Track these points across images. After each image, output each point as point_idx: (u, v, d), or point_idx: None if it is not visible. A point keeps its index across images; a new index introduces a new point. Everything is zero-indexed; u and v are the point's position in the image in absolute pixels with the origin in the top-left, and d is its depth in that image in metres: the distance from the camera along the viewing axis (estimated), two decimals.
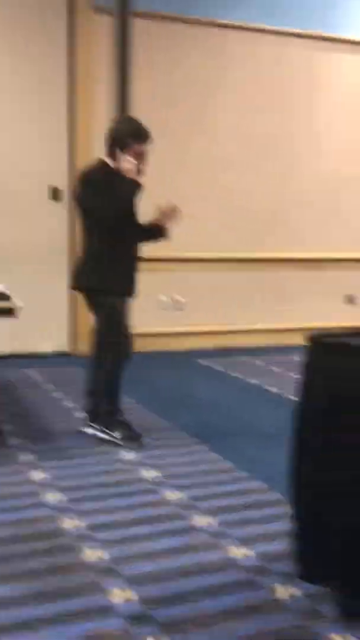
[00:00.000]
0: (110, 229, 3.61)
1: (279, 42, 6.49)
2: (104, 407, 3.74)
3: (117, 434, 3.67)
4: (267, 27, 6.40)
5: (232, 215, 6.49)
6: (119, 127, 3.66)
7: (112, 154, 3.61)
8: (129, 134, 3.58)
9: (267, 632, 1.97)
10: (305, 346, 2.32)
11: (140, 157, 3.57)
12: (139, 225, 3.75)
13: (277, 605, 2.12)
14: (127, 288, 3.74)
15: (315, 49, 6.62)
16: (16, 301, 3.53)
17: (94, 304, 3.75)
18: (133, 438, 3.65)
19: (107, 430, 3.70)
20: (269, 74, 6.50)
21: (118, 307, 3.72)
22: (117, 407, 3.75)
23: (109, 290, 3.69)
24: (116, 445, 3.62)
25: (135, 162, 3.53)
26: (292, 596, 2.17)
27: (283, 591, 2.20)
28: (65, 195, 5.98)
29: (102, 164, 3.66)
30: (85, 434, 3.77)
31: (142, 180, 3.59)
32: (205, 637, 1.95)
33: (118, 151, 3.57)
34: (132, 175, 3.53)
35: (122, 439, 3.65)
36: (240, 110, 6.45)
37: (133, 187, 3.54)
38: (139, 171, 3.58)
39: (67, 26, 5.87)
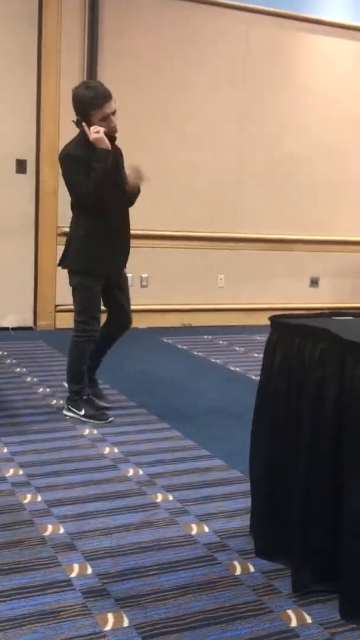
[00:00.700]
0: (89, 207, 3.53)
1: (244, 19, 6.44)
2: (70, 386, 3.73)
3: (82, 412, 3.66)
4: (234, 2, 6.35)
5: (199, 193, 6.48)
6: (78, 98, 3.47)
7: (85, 123, 3.49)
8: (86, 104, 3.44)
9: (222, 608, 2.00)
10: (269, 326, 2.33)
11: (107, 118, 3.47)
12: (122, 191, 3.63)
13: (233, 581, 2.14)
14: (98, 267, 3.61)
15: (279, 27, 6.60)
16: None
17: (70, 283, 3.68)
18: (97, 416, 3.65)
19: (74, 409, 3.69)
20: (234, 50, 6.46)
21: (87, 287, 3.61)
22: (82, 385, 3.73)
23: (79, 269, 3.62)
24: (82, 422, 3.61)
25: (101, 128, 3.44)
26: (248, 572, 2.20)
27: (240, 567, 2.22)
28: (33, 168, 5.89)
29: (80, 138, 3.54)
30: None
31: (114, 138, 3.52)
32: (162, 611, 1.96)
33: (84, 124, 3.47)
34: (102, 144, 3.43)
35: (87, 416, 3.65)
36: (206, 87, 6.40)
37: (104, 158, 3.43)
38: (111, 131, 3.50)
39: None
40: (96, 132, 3.43)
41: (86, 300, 3.63)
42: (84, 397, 3.70)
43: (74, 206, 3.63)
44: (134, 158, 5.67)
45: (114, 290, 3.75)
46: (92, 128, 3.44)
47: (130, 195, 3.68)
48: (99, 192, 3.45)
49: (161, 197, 6.28)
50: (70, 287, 3.67)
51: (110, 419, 3.65)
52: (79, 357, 3.68)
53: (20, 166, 5.89)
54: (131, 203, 3.73)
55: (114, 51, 5.99)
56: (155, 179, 6.21)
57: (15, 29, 5.73)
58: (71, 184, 3.53)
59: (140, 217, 5.40)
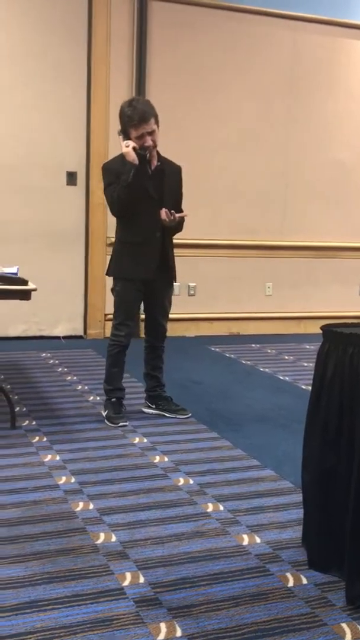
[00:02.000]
0: (117, 216, 3.74)
1: (292, 26, 6.42)
2: (103, 385, 3.91)
3: (105, 413, 3.81)
4: (282, 11, 6.34)
5: (245, 200, 6.48)
6: (121, 114, 3.65)
7: (124, 137, 3.66)
8: (126, 121, 3.60)
9: (276, 620, 1.98)
10: (320, 335, 2.32)
11: (141, 137, 3.59)
12: (157, 203, 3.70)
13: (286, 593, 2.13)
14: (127, 274, 3.75)
15: (330, 35, 6.56)
16: (29, 283, 3.54)
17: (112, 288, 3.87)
18: (111, 419, 3.75)
19: (103, 409, 3.86)
20: (281, 58, 6.45)
21: (120, 293, 3.78)
22: (112, 387, 3.83)
23: (114, 275, 3.82)
24: (132, 431, 3.65)
25: (132, 143, 3.57)
26: (301, 584, 2.18)
27: (293, 579, 2.21)
28: (83, 179, 5.98)
29: (122, 153, 3.68)
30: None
31: (145, 156, 3.62)
32: (214, 622, 1.96)
33: (120, 138, 3.64)
34: (129, 158, 3.57)
35: (106, 417, 3.78)
36: (252, 96, 6.40)
37: (128, 171, 3.54)
38: (147, 149, 3.60)
39: (88, 10, 5.83)
40: (126, 147, 3.59)
41: (118, 305, 3.81)
42: (112, 400, 3.83)
43: (113, 215, 3.83)
44: (181, 165, 5.72)
45: (150, 301, 3.87)
46: (123, 142, 3.60)
47: (171, 228, 3.78)
48: (119, 203, 3.63)
49: (208, 205, 6.30)
50: None
51: (120, 424, 3.71)
52: (109, 360, 3.86)
53: (71, 178, 5.98)
54: (175, 232, 3.85)
55: (161, 62, 6.04)
56: (203, 187, 6.26)
57: (65, 43, 5.83)
58: (105, 194, 3.76)
59: (187, 227, 5.39)
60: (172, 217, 3.65)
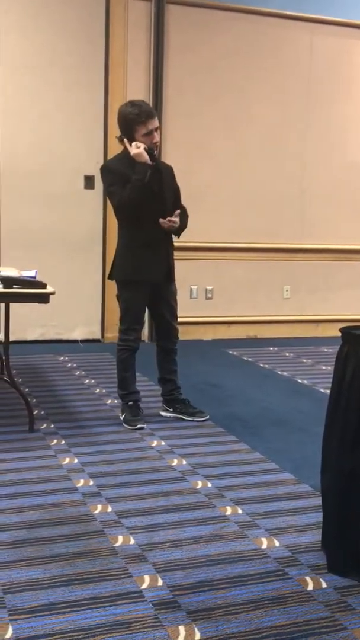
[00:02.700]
0: (123, 218, 3.71)
1: (309, 29, 6.41)
2: (117, 391, 3.93)
3: (122, 417, 3.82)
4: (298, 13, 6.33)
5: (262, 203, 6.47)
6: (122, 116, 3.65)
7: (128, 139, 3.65)
8: (131, 121, 3.59)
9: (295, 624, 1.97)
10: (339, 338, 2.30)
11: (150, 134, 3.60)
12: (162, 205, 3.70)
13: (306, 597, 2.11)
14: (133, 277, 3.73)
15: (347, 37, 6.54)
16: (48, 286, 3.55)
17: (117, 293, 3.87)
18: (129, 422, 3.76)
19: (120, 413, 3.87)
20: (298, 61, 6.44)
21: (126, 298, 3.77)
22: (127, 392, 3.84)
23: (118, 280, 3.81)
24: (150, 434, 3.66)
25: (142, 144, 3.58)
26: (321, 588, 2.16)
27: (312, 583, 2.19)
28: (100, 183, 5.99)
29: (122, 153, 3.71)
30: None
31: (155, 156, 3.63)
32: (233, 625, 1.95)
33: (126, 141, 3.63)
34: (142, 158, 3.56)
35: (124, 420, 3.79)
36: (270, 99, 6.40)
37: (142, 172, 3.54)
38: (152, 146, 3.62)
39: (105, 15, 5.86)
40: (137, 148, 3.57)
41: (125, 310, 3.80)
42: (129, 403, 3.83)
43: (116, 218, 3.80)
44: (199, 170, 5.71)
45: (157, 303, 3.85)
46: (133, 144, 3.59)
47: (174, 231, 3.78)
48: (131, 203, 3.59)
49: (224, 208, 6.31)
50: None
51: (138, 427, 3.71)
52: (120, 365, 3.86)
53: (88, 182, 6.00)
54: (179, 233, 3.83)
55: (179, 66, 6.06)
56: (220, 191, 6.27)
57: (82, 49, 5.86)
58: (107, 194, 3.76)
59: (203, 230, 5.44)
60: (172, 221, 3.64)
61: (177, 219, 3.67)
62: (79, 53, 5.87)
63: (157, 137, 3.63)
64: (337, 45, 6.53)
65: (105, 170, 3.75)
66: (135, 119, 3.58)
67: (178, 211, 3.70)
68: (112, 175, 3.67)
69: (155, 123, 3.61)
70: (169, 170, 3.84)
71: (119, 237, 3.83)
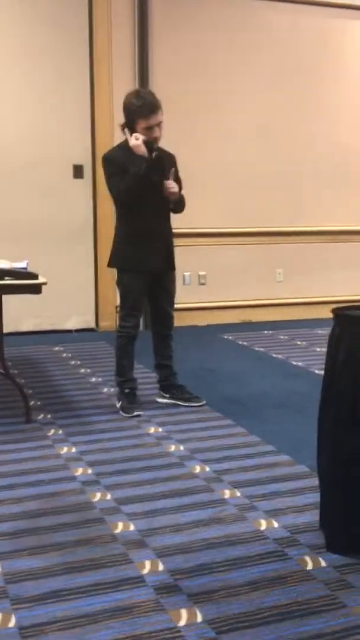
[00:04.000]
0: (122, 207, 3.71)
1: (292, 10, 6.37)
2: (114, 378, 3.95)
3: (119, 404, 3.83)
4: None
5: (253, 188, 6.45)
6: (126, 105, 3.62)
7: (129, 129, 3.63)
8: (133, 112, 3.57)
9: (295, 603, 1.99)
10: (332, 320, 2.31)
11: (150, 129, 3.58)
12: (162, 194, 3.70)
13: (305, 576, 2.13)
14: (133, 265, 3.74)
15: (329, 16, 6.50)
16: (40, 277, 3.55)
17: (116, 280, 3.86)
18: (125, 409, 3.77)
19: (117, 400, 3.88)
20: (284, 43, 6.40)
21: (125, 285, 3.79)
22: (124, 379, 3.85)
23: (118, 267, 3.83)
24: (147, 421, 3.67)
25: (141, 136, 3.56)
26: (320, 567, 2.18)
27: (311, 562, 2.21)
28: (89, 172, 5.97)
29: (123, 142, 3.68)
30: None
31: (154, 147, 3.61)
32: (235, 607, 1.97)
33: (127, 130, 3.61)
34: (139, 151, 3.55)
35: (120, 407, 3.80)
36: (258, 81, 6.37)
37: (139, 164, 3.54)
38: (154, 141, 3.60)
39: (88, 4, 5.81)
40: (136, 140, 3.56)
41: (124, 297, 3.82)
42: (126, 390, 3.84)
43: (115, 207, 3.81)
44: (189, 156, 5.69)
45: (156, 290, 3.86)
46: (133, 135, 3.57)
47: (174, 204, 3.78)
48: (129, 194, 3.60)
49: (216, 194, 6.29)
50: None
51: (134, 414, 3.72)
52: (118, 352, 3.88)
53: (78, 171, 5.98)
54: (178, 210, 3.84)
55: (163, 52, 6.02)
56: (210, 176, 6.25)
57: (65, 35, 5.81)
58: (107, 184, 3.73)
59: (195, 216, 5.39)
60: (169, 186, 3.64)
61: (174, 185, 3.66)
62: (62, 41, 5.82)
63: (158, 132, 3.60)
64: (324, 26, 6.49)
65: (106, 160, 3.73)
66: (137, 112, 3.56)
67: (172, 169, 3.69)
68: (112, 165, 3.66)
69: (157, 118, 3.58)
70: (172, 159, 3.82)
71: (117, 224, 3.83)
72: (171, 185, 3.67)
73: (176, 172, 3.79)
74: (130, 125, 3.61)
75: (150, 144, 3.60)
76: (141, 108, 3.55)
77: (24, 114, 5.79)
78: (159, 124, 3.60)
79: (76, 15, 5.82)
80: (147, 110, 3.55)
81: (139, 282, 3.77)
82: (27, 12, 5.70)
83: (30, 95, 5.79)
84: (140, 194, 3.60)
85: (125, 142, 3.66)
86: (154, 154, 3.62)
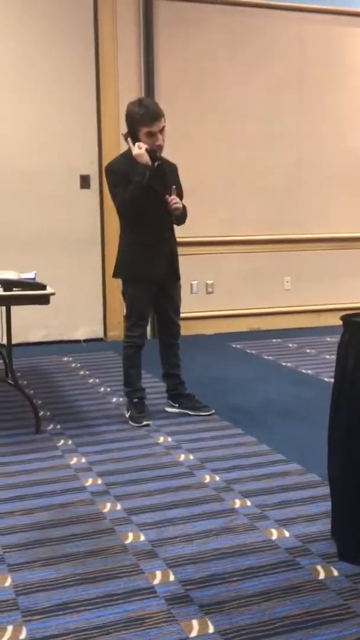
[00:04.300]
0: (126, 217, 3.72)
1: (299, 18, 6.39)
2: (123, 388, 3.95)
3: (128, 414, 3.83)
4: (287, 3, 6.32)
5: (259, 196, 6.46)
6: (129, 114, 3.64)
7: (132, 138, 3.64)
8: (136, 120, 3.59)
9: (308, 613, 1.97)
10: (341, 327, 2.31)
11: (152, 137, 3.59)
12: (165, 203, 3.70)
13: (317, 586, 2.12)
14: (137, 275, 3.74)
15: (336, 24, 6.52)
16: (48, 287, 3.56)
17: (121, 290, 3.87)
18: (134, 419, 3.76)
19: (126, 410, 3.87)
20: (289, 51, 6.42)
21: (130, 295, 3.79)
22: (133, 388, 3.85)
23: (122, 277, 3.83)
24: (156, 430, 3.66)
25: (144, 145, 3.56)
26: (332, 576, 2.17)
27: (323, 572, 2.20)
28: (96, 182, 5.99)
29: (127, 152, 3.69)
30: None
31: (157, 157, 3.61)
32: (247, 617, 1.96)
33: (130, 139, 3.62)
34: (142, 160, 3.55)
35: (129, 417, 3.80)
36: (263, 89, 6.38)
37: (142, 173, 3.53)
38: (157, 149, 3.61)
39: (93, 12, 5.85)
40: (139, 149, 3.57)
41: (130, 307, 3.82)
42: (135, 400, 3.84)
43: (119, 217, 3.81)
44: (196, 164, 5.73)
45: (162, 300, 3.86)
46: (136, 144, 3.58)
47: (176, 218, 3.79)
48: (133, 204, 3.61)
49: (222, 202, 6.30)
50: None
51: (144, 423, 3.72)
52: (125, 362, 3.88)
53: (84, 181, 6.00)
54: (181, 222, 3.85)
55: (170, 61, 6.04)
56: (216, 184, 6.26)
57: (72, 47, 5.85)
58: (111, 195, 3.75)
59: (201, 224, 5.41)
60: (173, 200, 3.65)
61: (178, 200, 3.67)
62: (69, 52, 5.85)
63: (160, 139, 3.61)
64: (327, 34, 6.51)
65: (109, 170, 3.74)
66: (139, 119, 3.57)
67: (174, 187, 3.69)
68: (115, 176, 3.67)
69: (159, 125, 3.58)
70: (173, 168, 3.84)
71: (121, 235, 3.84)
72: (175, 200, 3.67)
73: (178, 183, 3.80)
74: (133, 133, 3.62)
75: (154, 152, 3.60)
76: (143, 116, 3.56)
77: (30, 124, 5.82)
78: (161, 131, 3.60)
79: (82, 25, 5.85)
80: (149, 117, 3.56)
81: (144, 291, 3.78)
82: (32, 21, 5.74)
83: (37, 105, 5.82)
84: (144, 204, 3.61)
85: (128, 151, 3.66)
86: (157, 163, 3.63)
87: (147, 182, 3.55)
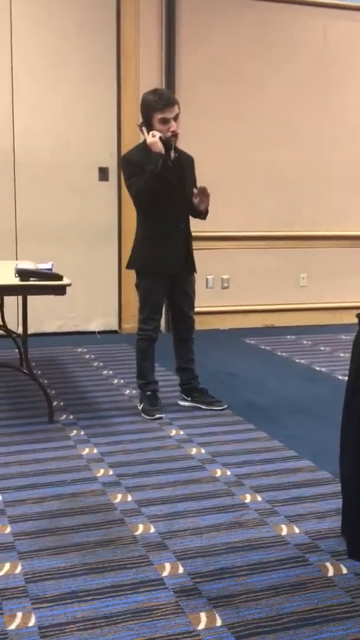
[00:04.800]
0: (142, 208, 3.71)
1: (321, 14, 6.35)
2: (136, 381, 3.96)
3: (140, 406, 3.84)
4: None
5: (278, 192, 6.44)
6: (143, 102, 3.65)
7: (147, 127, 3.65)
8: (149, 107, 3.59)
9: (316, 609, 1.98)
10: (355, 324, 2.30)
11: (167, 122, 3.58)
12: (181, 195, 3.69)
13: (326, 583, 2.11)
14: (152, 267, 3.74)
15: (358, 21, 6.47)
16: (64, 278, 3.57)
17: (135, 283, 3.87)
18: (147, 411, 3.77)
19: (139, 402, 3.89)
20: (313, 47, 6.38)
21: (144, 287, 3.78)
22: (146, 381, 3.86)
23: (137, 269, 3.81)
24: (168, 423, 3.67)
25: (158, 133, 3.56)
26: (341, 574, 2.17)
27: (332, 569, 2.19)
28: (114, 175, 6.00)
29: (142, 143, 3.69)
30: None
31: (172, 146, 3.61)
32: (254, 612, 1.96)
33: (144, 128, 3.63)
34: (156, 148, 3.55)
35: (142, 410, 3.80)
36: (283, 85, 6.35)
37: (155, 162, 3.53)
38: (173, 136, 3.60)
39: (116, 5, 5.84)
40: (152, 137, 3.57)
41: (144, 300, 3.81)
42: (147, 393, 3.85)
43: (135, 208, 3.81)
44: (215, 158, 5.72)
45: (176, 293, 3.86)
46: (150, 133, 3.58)
47: (197, 213, 3.78)
48: (147, 193, 3.59)
49: (240, 198, 6.29)
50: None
51: (156, 416, 3.73)
52: (139, 355, 3.88)
53: (103, 174, 6.01)
54: (201, 217, 3.83)
55: (191, 55, 6.03)
56: (234, 180, 6.24)
57: (94, 38, 5.85)
58: (126, 185, 3.74)
59: (219, 219, 5.37)
60: (202, 196, 3.64)
61: (201, 189, 3.66)
62: (90, 45, 5.85)
63: (174, 125, 3.59)
64: (350, 30, 6.46)
65: (125, 161, 3.75)
66: (153, 105, 3.57)
67: (195, 191, 3.68)
68: (131, 166, 3.67)
69: (173, 111, 3.58)
70: (190, 160, 3.83)
71: (137, 227, 3.83)
72: (204, 198, 3.66)
73: (193, 175, 3.80)
74: (147, 121, 3.62)
75: (168, 142, 3.60)
76: (157, 102, 3.57)
77: (50, 117, 5.83)
78: (175, 117, 3.60)
79: (104, 18, 5.85)
80: (163, 103, 3.56)
81: (158, 284, 3.77)
82: (55, 15, 5.74)
83: (57, 99, 5.83)
84: (159, 194, 3.60)
85: (144, 143, 3.65)
86: (172, 153, 3.62)
87: (161, 171, 3.54)
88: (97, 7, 5.83)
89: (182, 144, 3.75)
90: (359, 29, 6.49)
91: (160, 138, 3.56)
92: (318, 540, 2.38)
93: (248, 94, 6.25)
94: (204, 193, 3.66)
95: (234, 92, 6.20)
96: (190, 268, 3.85)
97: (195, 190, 3.65)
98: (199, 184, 3.81)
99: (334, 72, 6.47)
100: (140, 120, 3.69)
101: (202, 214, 3.79)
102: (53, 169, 5.87)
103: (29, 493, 2.77)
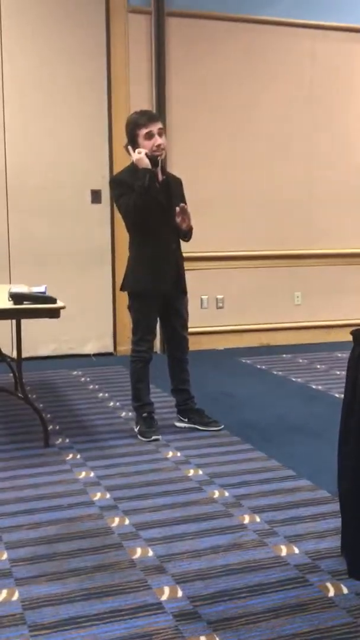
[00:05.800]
0: (133, 230, 3.73)
1: (310, 35, 6.43)
2: (131, 403, 3.94)
3: (137, 429, 3.81)
4: (299, 20, 6.36)
5: (270, 211, 6.47)
6: (127, 124, 3.72)
7: (132, 146, 3.69)
8: (134, 125, 3.65)
9: (317, 630, 1.95)
10: (350, 342, 2.29)
11: (151, 136, 3.62)
12: (169, 216, 3.70)
13: (327, 603, 2.09)
14: (143, 289, 3.74)
15: (349, 41, 6.55)
16: (58, 301, 3.56)
17: (127, 305, 3.88)
18: (143, 433, 3.75)
19: (135, 425, 3.86)
20: (301, 68, 6.45)
21: (137, 309, 3.79)
22: (141, 403, 3.84)
23: (129, 291, 3.82)
24: (165, 445, 3.65)
25: (143, 150, 3.60)
26: (342, 594, 2.14)
27: (333, 589, 2.17)
28: (107, 197, 6.02)
29: (130, 165, 3.73)
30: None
31: (158, 163, 3.64)
32: (255, 634, 1.94)
33: (130, 148, 3.67)
34: (142, 164, 3.59)
35: (138, 432, 3.78)
36: (273, 106, 6.41)
37: (142, 177, 3.55)
38: (157, 150, 3.62)
39: (105, 29, 5.91)
40: (138, 154, 3.61)
41: (136, 322, 3.81)
42: (143, 415, 3.83)
43: (127, 230, 3.83)
44: (206, 179, 5.75)
45: (168, 314, 3.87)
46: (136, 150, 3.63)
47: (181, 234, 3.79)
48: (136, 210, 3.60)
49: (233, 218, 6.31)
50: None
51: (153, 438, 3.70)
52: (133, 377, 3.87)
53: (95, 196, 6.03)
54: (186, 238, 3.84)
55: (181, 76, 6.08)
56: (227, 200, 6.28)
57: (84, 61, 5.90)
58: (117, 206, 3.77)
59: (212, 239, 5.38)
60: (182, 214, 3.65)
61: (182, 207, 3.66)
62: (81, 68, 5.91)
63: (160, 140, 3.63)
64: (339, 51, 6.54)
65: (113, 182, 3.80)
66: (137, 121, 3.64)
67: (183, 206, 3.68)
68: (119, 187, 3.70)
69: (157, 125, 3.64)
70: (179, 182, 3.86)
71: (129, 249, 3.85)
72: (185, 217, 3.67)
73: (182, 197, 3.82)
74: (132, 140, 3.66)
75: (154, 158, 3.63)
76: (140, 117, 3.64)
77: (42, 140, 5.87)
78: (159, 131, 3.64)
79: (94, 42, 5.91)
80: (146, 117, 3.64)
81: (150, 305, 3.77)
82: (45, 38, 5.80)
83: (49, 122, 5.87)
84: (149, 211, 3.61)
85: (132, 164, 3.68)
86: (159, 172, 3.66)
87: (149, 184, 3.56)
88: (88, 31, 5.90)
89: (174, 166, 3.78)
90: (347, 50, 6.57)
91: (146, 154, 3.59)
92: (318, 560, 2.36)
93: (238, 115, 6.30)
94: (184, 212, 3.67)
95: (224, 113, 6.25)
96: (181, 289, 3.85)
97: (177, 209, 3.67)
98: (190, 204, 3.83)
99: (323, 92, 6.53)
100: (126, 141, 3.72)
101: (186, 234, 3.79)
102: (46, 192, 5.89)
103: (25, 518, 2.74)
